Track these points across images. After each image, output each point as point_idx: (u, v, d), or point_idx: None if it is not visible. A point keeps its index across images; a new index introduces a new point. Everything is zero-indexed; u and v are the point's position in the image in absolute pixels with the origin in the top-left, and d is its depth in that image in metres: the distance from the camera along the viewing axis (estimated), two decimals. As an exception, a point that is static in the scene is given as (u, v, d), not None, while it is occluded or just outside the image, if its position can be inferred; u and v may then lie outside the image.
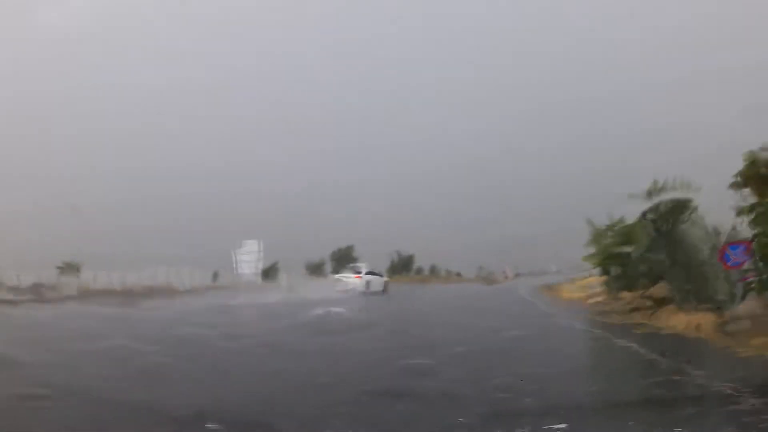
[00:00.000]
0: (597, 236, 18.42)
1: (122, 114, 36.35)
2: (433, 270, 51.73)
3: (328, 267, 44.31)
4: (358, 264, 29.52)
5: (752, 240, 10.26)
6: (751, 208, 10.54)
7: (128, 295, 22.99)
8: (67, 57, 36.19)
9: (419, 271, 50.36)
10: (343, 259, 43.92)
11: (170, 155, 36.15)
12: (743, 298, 10.08)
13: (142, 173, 35.34)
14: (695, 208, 14.27)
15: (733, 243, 10.16)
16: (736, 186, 10.22)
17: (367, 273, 26.67)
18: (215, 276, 30.63)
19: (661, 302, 14.75)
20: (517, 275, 45.63)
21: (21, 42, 36.36)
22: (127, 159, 35.68)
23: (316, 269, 44.15)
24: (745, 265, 9.90)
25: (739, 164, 11.10)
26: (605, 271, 18.28)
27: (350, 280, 25.59)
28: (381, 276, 27.65)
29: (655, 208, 14.84)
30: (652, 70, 37.11)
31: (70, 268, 28.13)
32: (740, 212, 10.94)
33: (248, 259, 34.29)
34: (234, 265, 33.33)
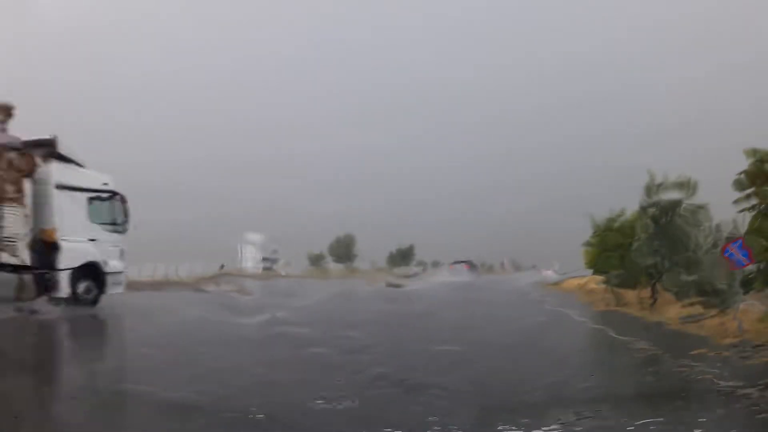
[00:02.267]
0: (597, 231, 18.53)
1: (126, 108, 36.27)
2: (435, 263, 51.86)
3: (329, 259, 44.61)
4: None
5: (744, 235, 10.34)
6: (753, 207, 10.60)
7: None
8: (72, 49, 36.04)
9: (420, 263, 50.53)
10: (344, 251, 44.17)
11: (171, 151, 36.12)
12: (745, 293, 10.18)
13: (143, 167, 35.34)
14: (697, 204, 14.41)
15: (734, 239, 10.19)
16: (739, 184, 10.24)
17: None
18: (221, 269, 30.68)
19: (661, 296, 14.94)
20: (518, 269, 45.63)
21: (25, 34, 36.26)
22: (128, 152, 35.66)
23: (316, 260, 44.33)
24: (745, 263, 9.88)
25: (738, 160, 11.11)
26: (605, 267, 18.33)
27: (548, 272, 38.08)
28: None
29: (655, 202, 14.93)
30: (655, 69, 37.16)
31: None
32: (738, 201, 10.98)
33: (252, 251, 34.53)
34: (239, 257, 33.54)
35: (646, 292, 15.70)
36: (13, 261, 11.34)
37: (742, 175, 10.13)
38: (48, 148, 12.34)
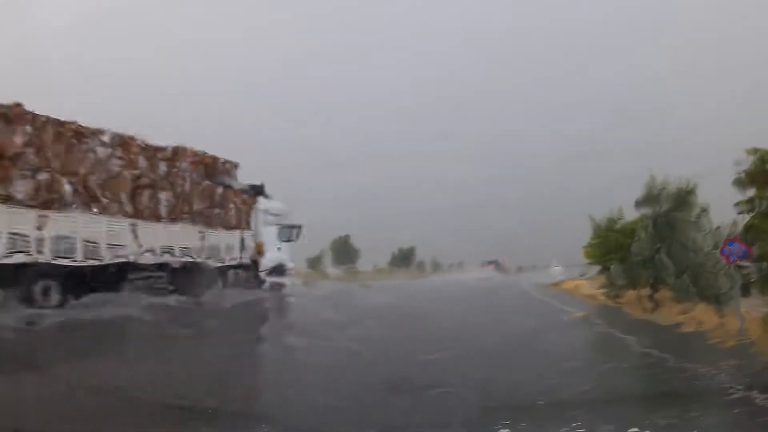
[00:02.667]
0: (598, 231, 18.55)
1: (123, 108, 36.22)
2: (434, 264, 51.79)
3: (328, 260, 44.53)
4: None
5: (744, 234, 10.35)
6: (750, 205, 10.60)
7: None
8: (69, 45, 36.04)
9: (420, 264, 50.53)
10: (344, 251, 44.13)
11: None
12: (745, 294, 10.17)
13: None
14: (697, 205, 14.40)
15: (731, 240, 10.21)
16: (740, 183, 10.24)
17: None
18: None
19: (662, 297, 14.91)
20: (520, 269, 45.48)
21: (22, 33, 36.30)
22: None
23: (315, 263, 44.24)
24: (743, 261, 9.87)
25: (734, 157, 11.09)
26: (606, 268, 18.34)
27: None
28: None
29: (654, 204, 14.91)
30: (659, 70, 37.22)
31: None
32: (738, 204, 10.99)
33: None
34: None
35: (647, 293, 15.67)
36: (247, 261, 18.79)
37: (743, 174, 10.12)
38: (258, 190, 19.60)
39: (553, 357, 8.08)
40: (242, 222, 18.50)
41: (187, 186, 16.26)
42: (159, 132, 15.61)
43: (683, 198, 14.44)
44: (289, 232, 20.84)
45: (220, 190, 17.49)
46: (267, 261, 19.71)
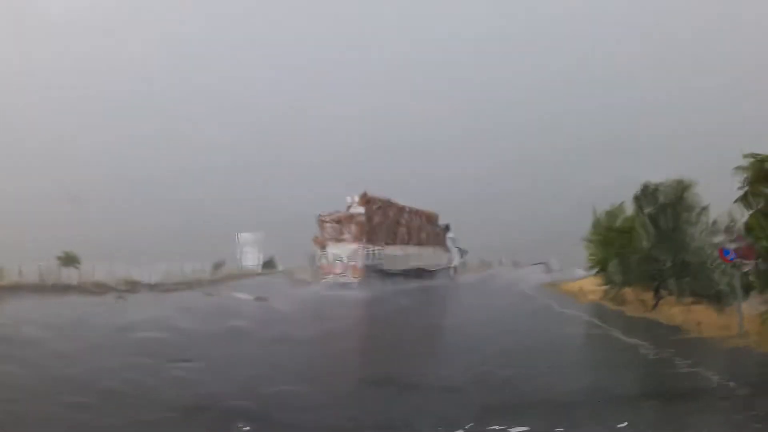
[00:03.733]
0: (597, 228, 18.57)
1: (129, 116, 35.99)
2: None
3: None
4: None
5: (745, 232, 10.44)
6: (746, 196, 10.66)
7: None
8: (72, 47, 35.75)
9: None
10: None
11: (171, 155, 35.84)
12: (746, 294, 10.22)
13: (144, 170, 35.14)
14: (696, 205, 14.44)
15: (732, 241, 10.27)
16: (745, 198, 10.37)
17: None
18: (217, 266, 30.55)
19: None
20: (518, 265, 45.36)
21: (26, 33, 36.10)
22: (130, 157, 35.42)
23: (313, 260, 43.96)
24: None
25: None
26: (605, 268, 18.34)
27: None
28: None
29: (653, 202, 14.94)
30: (662, 73, 37.04)
31: (69, 259, 27.80)
32: (737, 200, 11.07)
33: (251, 250, 34.48)
34: (238, 257, 33.65)
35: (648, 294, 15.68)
36: (446, 265, 37.98)
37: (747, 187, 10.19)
38: (447, 227, 37.17)
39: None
40: (444, 245, 35.90)
41: (428, 228, 34.48)
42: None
43: (681, 195, 14.48)
44: (461, 251, 37.69)
45: (437, 229, 35.47)
46: (453, 265, 36.75)
